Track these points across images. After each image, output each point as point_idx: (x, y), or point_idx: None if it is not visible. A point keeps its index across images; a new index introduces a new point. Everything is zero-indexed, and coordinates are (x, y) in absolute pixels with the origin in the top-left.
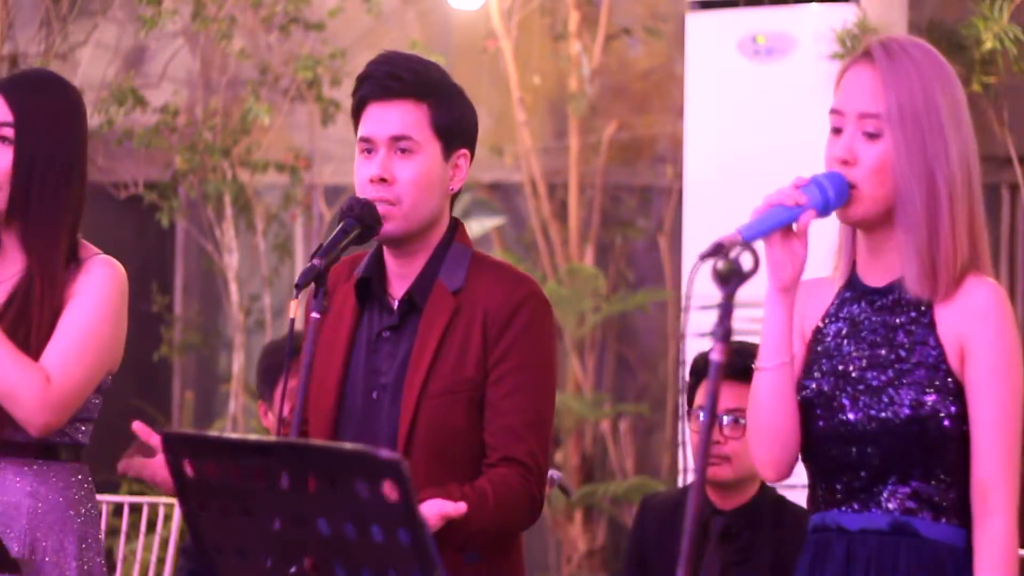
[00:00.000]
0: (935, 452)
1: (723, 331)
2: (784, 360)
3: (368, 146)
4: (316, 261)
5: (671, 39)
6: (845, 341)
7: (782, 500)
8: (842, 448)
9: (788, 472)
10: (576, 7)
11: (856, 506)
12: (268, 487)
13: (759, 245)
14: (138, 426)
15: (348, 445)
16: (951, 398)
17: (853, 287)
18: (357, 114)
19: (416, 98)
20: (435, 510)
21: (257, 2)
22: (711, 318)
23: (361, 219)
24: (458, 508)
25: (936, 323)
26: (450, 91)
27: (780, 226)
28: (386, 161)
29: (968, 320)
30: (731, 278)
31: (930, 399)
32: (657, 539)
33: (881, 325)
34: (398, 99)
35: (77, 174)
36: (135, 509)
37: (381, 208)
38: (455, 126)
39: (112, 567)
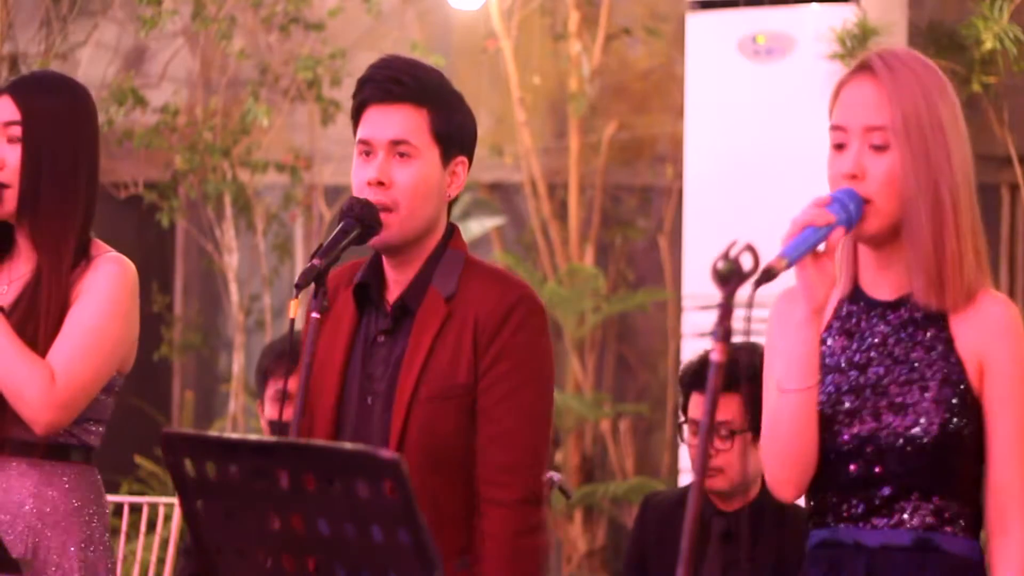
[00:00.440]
0: (957, 468)
1: (723, 331)
2: (811, 383)
3: (367, 149)
4: (316, 261)
5: (671, 39)
6: (859, 355)
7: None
8: (864, 464)
9: (805, 490)
10: (576, 7)
11: (876, 522)
12: (268, 487)
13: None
14: None
15: (348, 445)
16: (971, 414)
17: (857, 301)
18: (357, 116)
19: (416, 103)
20: None
21: (257, 2)
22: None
23: (361, 219)
24: None
25: (955, 338)
26: (450, 98)
27: (814, 246)
28: (384, 165)
29: (986, 337)
30: (731, 278)
31: (955, 416)
32: (657, 538)
33: (898, 341)
34: (398, 103)
35: (86, 173)
36: (135, 509)
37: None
38: (454, 133)
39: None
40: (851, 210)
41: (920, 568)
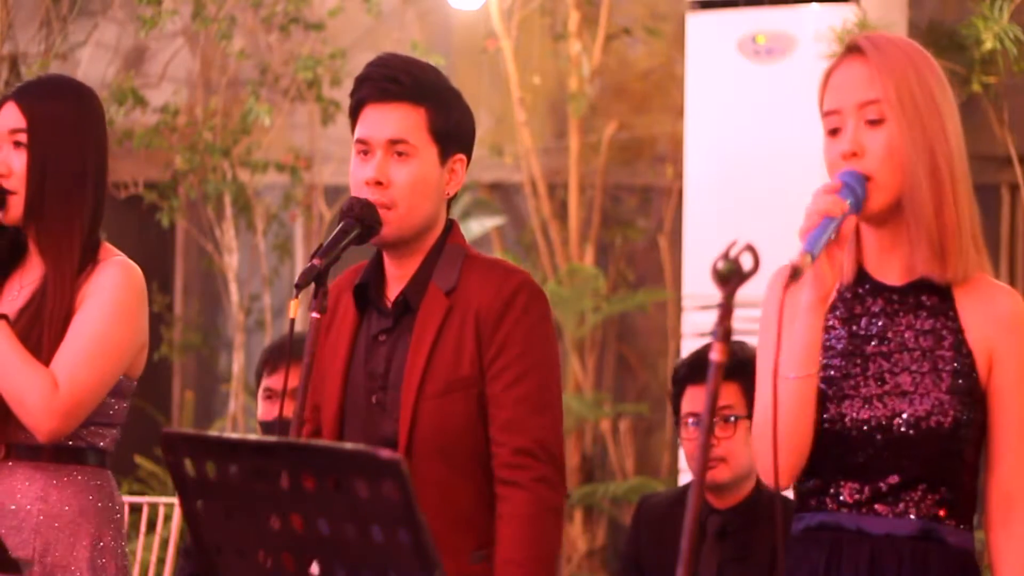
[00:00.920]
0: (964, 460)
1: (723, 331)
2: (812, 371)
3: (364, 148)
4: (316, 261)
5: (671, 39)
6: (866, 340)
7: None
8: (873, 451)
9: (796, 477)
10: (576, 7)
11: (881, 509)
12: (268, 487)
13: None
14: None
15: (348, 445)
16: (978, 407)
17: (863, 283)
18: (355, 115)
19: (414, 101)
20: None
21: (257, 2)
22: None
23: (361, 219)
24: None
25: (965, 329)
26: (448, 95)
27: (831, 236)
28: (382, 164)
29: (997, 330)
30: (731, 278)
31: (967, 409)
32: (653, 539)
33: (908, 327)
34: (396, 102)
35: (93, 178)
36: (135, 509)
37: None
38: (452, 131)
39: None
40: (859, 194)
41: (923, 559)
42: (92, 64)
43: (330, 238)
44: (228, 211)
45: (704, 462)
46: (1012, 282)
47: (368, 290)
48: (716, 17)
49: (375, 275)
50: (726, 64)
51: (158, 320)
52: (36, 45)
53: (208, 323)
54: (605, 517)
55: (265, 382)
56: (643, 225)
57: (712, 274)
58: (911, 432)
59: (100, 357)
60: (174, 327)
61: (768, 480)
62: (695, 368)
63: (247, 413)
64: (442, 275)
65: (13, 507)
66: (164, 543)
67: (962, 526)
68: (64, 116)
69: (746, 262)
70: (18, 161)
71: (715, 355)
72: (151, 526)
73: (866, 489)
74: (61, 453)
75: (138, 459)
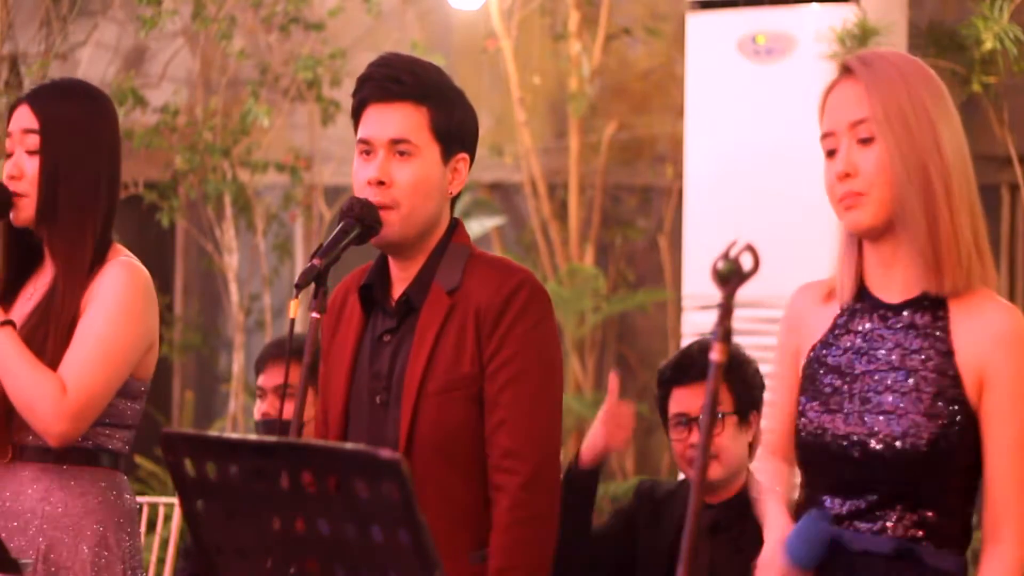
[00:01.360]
0: (947, 482)
1: (723, 331)
2: None
3: (367, 148)
4: (316, 261)
5: (671, 39)
6: (859, 358)
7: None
8: (852, 468)
9: None
10: (576, 7)
11: (860, 526)
12: (268, 487)
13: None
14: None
15: (348, 445)
16: (967, 429)
17: (863, 300)
18: (357, 115)
19: (416, 101)
20: None
21: (257, 2)
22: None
23: (361, 219)
24: None
25: (955, 350)
26: (450, 94)
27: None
28: (385, 164)
29: (988, 348)
30: (731, 278)
31: (950, 431)
32: (650, 522)
33: (897, 345)
34: (398, 102)
35: (106, 180)
36: None
37: (379, 213)
38: (455, 130)
39: None
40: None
41: None
42: (92, 64)
43: (330, 238)
44: (228, 211)
45: (704, 461)
46: (1012, 282)
47: (373, 291)
48: (716, 17)
49: (380, 276)
50: (726, 64)
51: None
52: (36, 45)
53: (208, 323)
54: (605, 517)
55: (258, 380)
56: (643, 225)
57: (712, 274)
58: (885, 452)
59: (107, 359)
60: (174, 327)
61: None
62: (680, 370)
63: (247, 413)
64: (445, 274)
65: (19, 508)
66: (164, 543)
67: (945, 549)
68: (77, 120)
69: (746, 262)
70: (31, 164)
71: (715, 355)
72: (151, 526)
73: (847, 505)
74: (68, 454)
75: (138, 459)
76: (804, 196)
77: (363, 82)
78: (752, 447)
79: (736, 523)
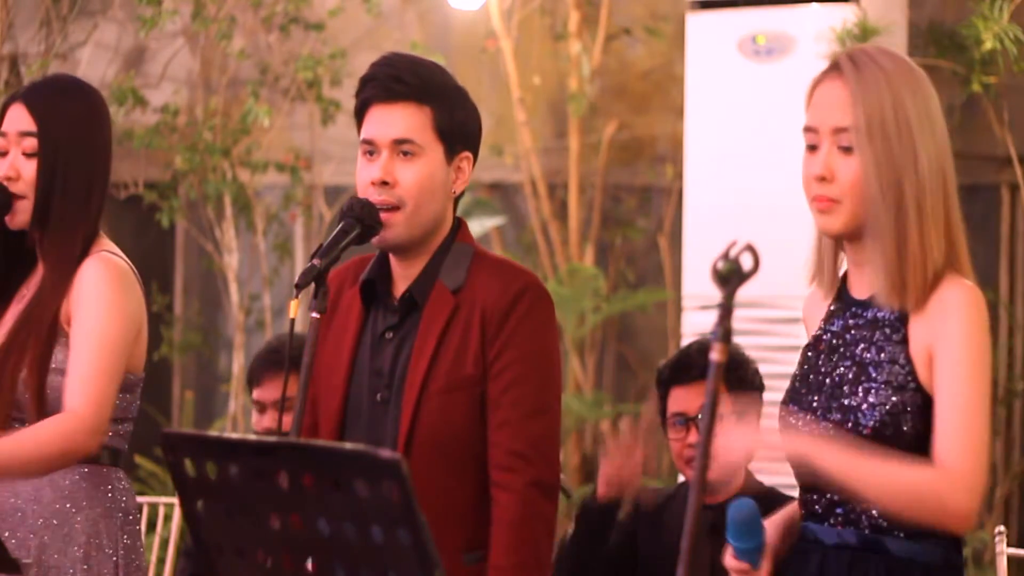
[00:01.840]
0: None
1: (723, 331)
2: None
3: (370, 148)
4: (316, 261)
5: (671, 39)
6: (831, 355)
7: (771, 491)
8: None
9: None
10: (576, 7)
11: (832, 520)
12: (268, 487)
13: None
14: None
15: (348, 445)
16: (920, 417)
17: (840, 299)
18: (360, 115)
19: (419, 101)
20: None
21: (257, 2)
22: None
23: (361, 219)
24: None
25: (909, 340)
26: (453, 94)
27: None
28: (388, 164)
29: (936, 323)
30: (731, 278)
31: (893, 421)
32: (650, 527)
33: (860, 339)
34: (401, 102)
35: (100, 183)
36: None
37: (383, 214)
38: (458, 129)
39: None
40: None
41: (864, 569)
42: (92, 64)
43: (330, 238)
44: (228, 211)
45: (704, 461)
46: (1012, 282)
47: (375, 286)
48: (716, 17)
49: (381, 271)
50: (726, 64)
51: (158, 320)
52: (36, 45)
53: (208, 323)
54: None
55: (253, 394)
56: (643, 225)
57: (712, 274)
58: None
59: (106, 360)
60: (174, 327)
61: None
62: (678, 369)
63: (247, 413)
64: (449, 274)
65: (13, 508)
66: (164, 543)
67: (913, 539)
68: (74, 122)
69: (746, 262)
70: (28, 166)
71: (715, 355)
72: (151, 526)
73: (823, 499)
74: None
75: (138, 459)
76: (804, 196)
77: (366, 82)
78: None
79: None
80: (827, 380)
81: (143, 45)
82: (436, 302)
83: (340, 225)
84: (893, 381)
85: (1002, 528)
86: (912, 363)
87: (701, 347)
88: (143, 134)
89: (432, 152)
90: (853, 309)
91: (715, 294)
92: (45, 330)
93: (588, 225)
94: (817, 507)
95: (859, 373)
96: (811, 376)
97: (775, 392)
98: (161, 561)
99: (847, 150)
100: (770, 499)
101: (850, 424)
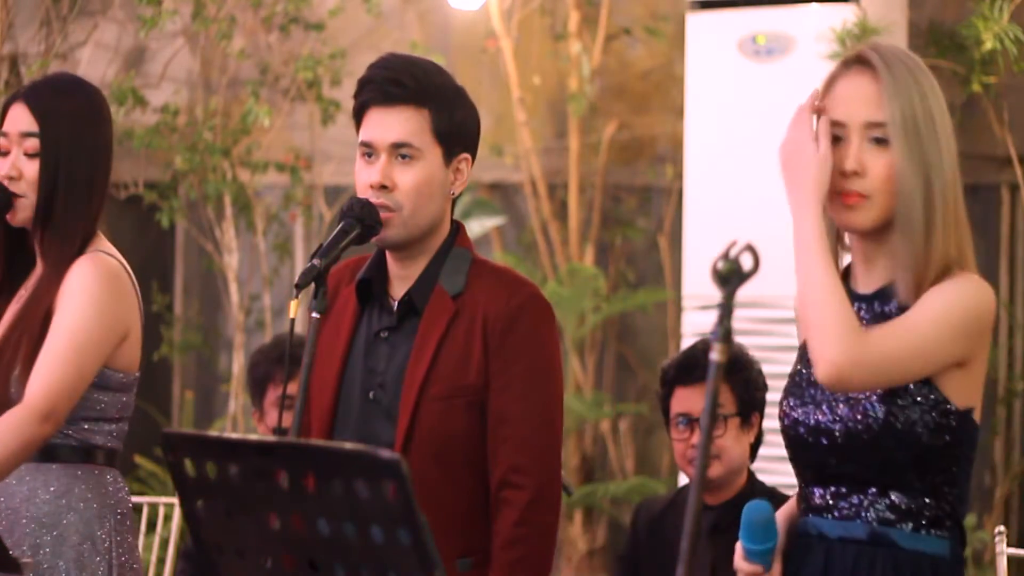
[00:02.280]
0: (913, 463)
1: (723, 331)
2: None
3: (368, 151)
4: (316, 261)
5: (671, 39)
6: None
7: (772, 492)
8: (823, 457)
9: None
10: (576, 7)
11: (837, 514)
12: (268, 487)
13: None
14: None
15: (348, 445)
16: (928, 409)
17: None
18: (358, 118)
19: (417, 104)
20: None
21: (257, 2)
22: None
23: (361, 219)
24: None
25: None
26: (452, 95)
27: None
28: (386, 167)
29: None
30: (731, 278)
31: (905, 411)
32: (649, 541)
33: None
34: (399, 105)
35: (100, 180)
36: (135, 509)
37: (382, 214)
38: (456, 131)
39: None
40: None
41: (871, 562)
42: (92, 64)
43: (330, 238)
44: (228, 211)
45: (704, 461)
46: (1012, 282)
47: (371, 286)
48: (716, 17)
49: (378, 271)
50: (726, 64)
51: (158, 320)
52: (36, 45)
53: (208, 323)
54: (605, 517)
55: (269, 396)
56: (643, 225)
57: (712, 274)
58: (847, 437)
59: (74, 352)
60: (174, 327)
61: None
62: (683, 369)
63: (247, 413)
64: (449, 278)
65: (6, 508)
66: (164, 543)
67: (924, 530)
68: (76, 121)
69: (746, 262)
70: (29, 166)
71: (715, 355)
72: (151, 526)
73: (827, 493)
74: (56, 453)
75: (138, 459)
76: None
77: (364, 85)
78: (754, 448)
79: (737, 524)
80: None
81: (143, 45)
82: (435, 307)
83: (340, 225)
84: None
85: (1002, 528)
86: None
87: (706, 347)
88: (143, 134)
89: (430, 155)
90: (857, 304)
91: (715, 294)
92: (37, 328)
93: (588, 225)
94: (820, 500)
95: None
96: (808, 371)
97: (776, 392)
98: (161, 561)
99: (880, 144)
100: (772, 499)
101: (859, 416)
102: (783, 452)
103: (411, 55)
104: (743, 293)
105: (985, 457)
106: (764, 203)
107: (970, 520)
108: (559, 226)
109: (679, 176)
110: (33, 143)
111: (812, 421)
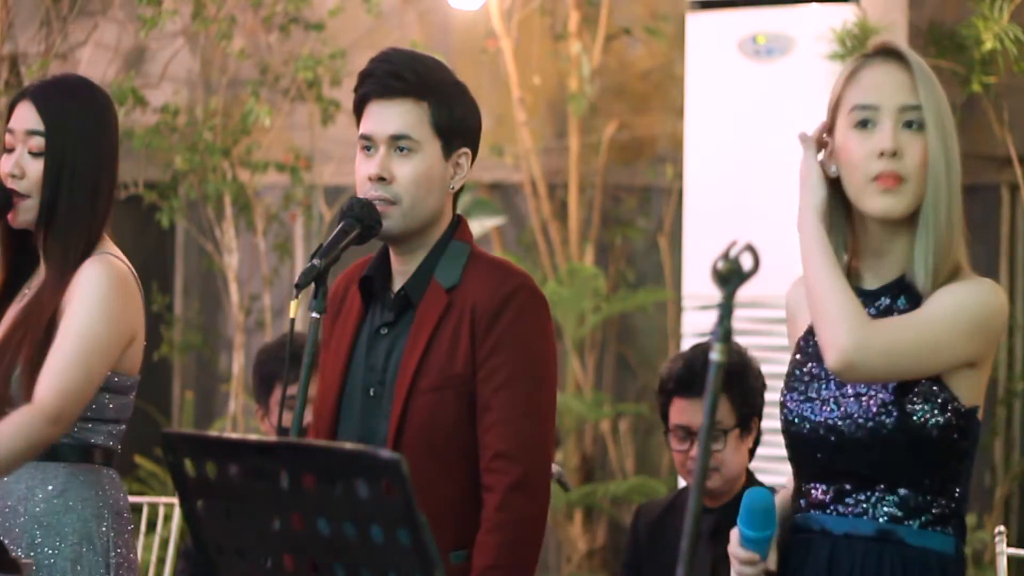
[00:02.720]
0: (923, 460)
1: (723, 331)
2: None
3: (368, 144)
4: (316, 261)
5: (671, 39)
6: None
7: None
8: (830, 454)
9: None
10: (576, 7)
11: (842, 510)
12: (268, 487)
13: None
14: None
15: (348, 445)
16: (938, 406)
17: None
18: (358, 111)
19: (416, 97)
20: None
21: (257, 2)
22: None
23: (361, 219)
24: None
25: None
26: (452, 90)
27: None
28: (385, 160)
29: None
30: (731, 278)
31: (917, 408)
32: (649, 544)
33: None
34: (399, 98)
35: (106, 182)
36: (135, 509)
37: (380, 206)
38: (456, 125)
39: None
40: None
41: (878, 559)
42: (92, 64)
43: (330, 238)
44: (228, 211)
45: (705, 462)
46: (1012, 282)
47: (373, 283)
48: (716, 17)
49: (381, 268)
50: (726, 64)
51: (158, 320)
52: (36, 45)
53: (208, 323)
54: (605, 517)
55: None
56: (643, 225)
57: (712, 274)
58: (857, 434)
59: (85, 356)
60: (174, 327)
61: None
62: (682, 383)
63: (247, 413)
64: (444, 272)
65: (4, 507)
66: (164, 543)
67: (931, 527)
68: (82, 122)
69: (746, 262)
70: (34, 165)
71: (715, 355)
72: (151, 526)
73: (831, 490)
74: (54, 451)
75: (138, 459)
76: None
77: (364, 78)
78: (752, 448)
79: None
80: None
81: (143, 45)
82: (429, 300)
83: (340, 225)
84: None
85: (1002, 528)
86: None
87: (705, 358)
88: (143, 134)
89: (429, 148)
90: (862, 300)
91: (715, 294)
92: (42, 330)
93: (588, 225)
94: (823, 496)
95: None
96: (816, 366)
97: (775, 392)
98: (161, 561)
99: (915, 128)
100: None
101: (870, 414)
102: (782, 452)
103: (413, 51)
104: (743, 293)
105: (985, 457)
106: (764, 203)
107: (970, 520)
108: (559, 226)
109: (679, 176)
110: (38, 142)
111: (820, 417)
